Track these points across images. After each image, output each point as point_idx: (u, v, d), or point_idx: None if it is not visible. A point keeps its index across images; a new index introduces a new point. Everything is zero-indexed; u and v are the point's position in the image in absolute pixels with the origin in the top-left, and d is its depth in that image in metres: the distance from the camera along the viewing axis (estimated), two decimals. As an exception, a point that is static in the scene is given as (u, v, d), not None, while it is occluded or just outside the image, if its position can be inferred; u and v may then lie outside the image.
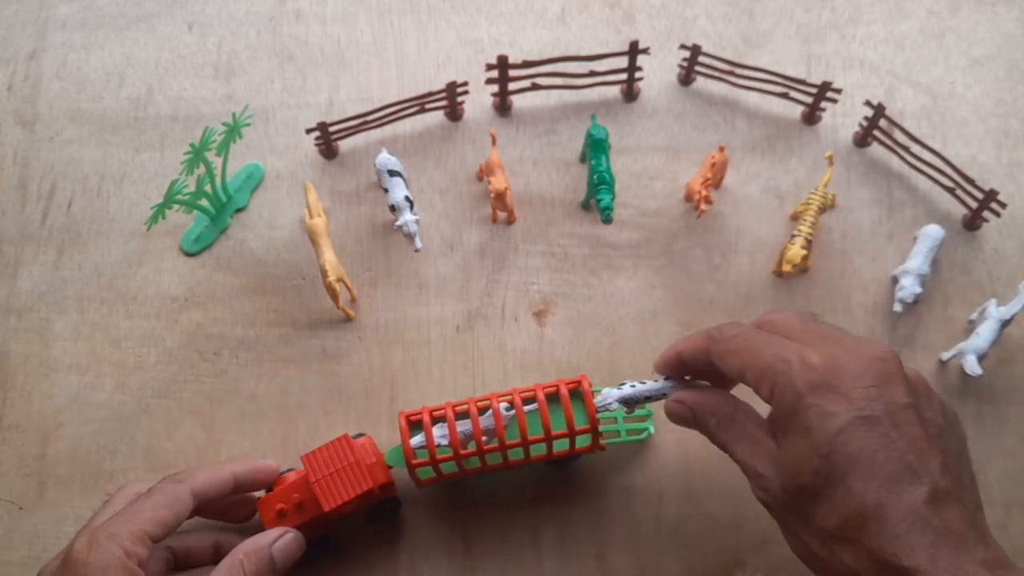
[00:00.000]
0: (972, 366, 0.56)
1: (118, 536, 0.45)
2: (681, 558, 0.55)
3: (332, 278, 0.57)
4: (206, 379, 0.60)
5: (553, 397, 0.52)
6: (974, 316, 0.59)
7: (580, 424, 0.51)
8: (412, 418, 0.52)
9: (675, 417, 0.49)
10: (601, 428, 0.52)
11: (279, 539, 0.50)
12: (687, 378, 0.50)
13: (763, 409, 0.46)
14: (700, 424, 0.48)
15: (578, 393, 0.52)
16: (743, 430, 0.46)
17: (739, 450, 0.45)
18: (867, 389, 0.41)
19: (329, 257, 0.58)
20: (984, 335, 0.56)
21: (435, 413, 0.52)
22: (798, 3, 0.68)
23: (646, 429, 0.57)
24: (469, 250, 0.62)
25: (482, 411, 0.51)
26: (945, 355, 0.58)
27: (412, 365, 0.60)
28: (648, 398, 0.51)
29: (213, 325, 0.61)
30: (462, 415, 0.51)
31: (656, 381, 0.51)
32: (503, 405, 0.51)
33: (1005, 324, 0.57)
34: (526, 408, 0.51)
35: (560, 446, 0.52)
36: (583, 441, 0.52)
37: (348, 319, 0.61)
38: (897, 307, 0.58)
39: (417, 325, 0.61)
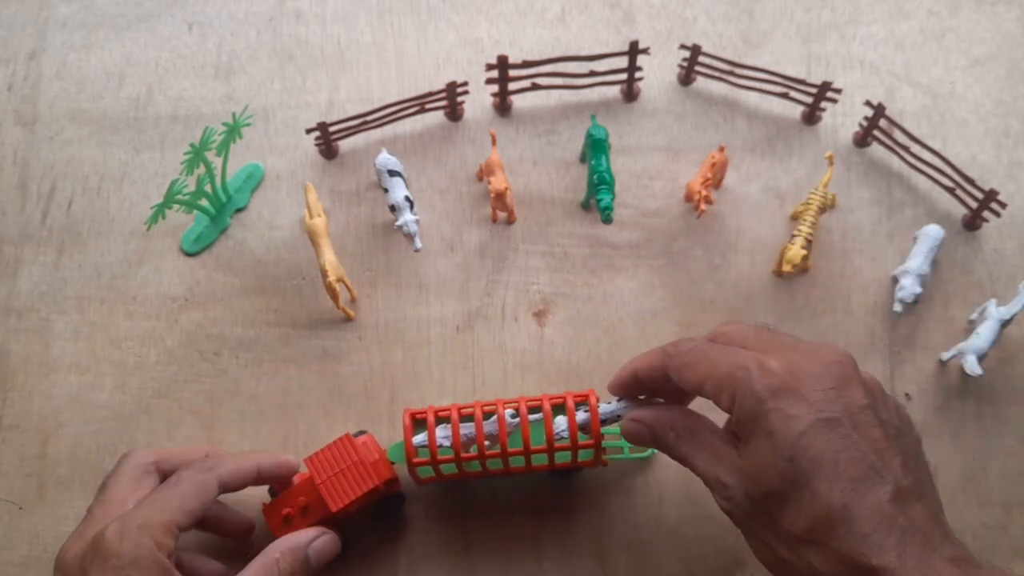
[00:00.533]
0: (972, 366, 0.56)
1: (149, 527, 0.45)
2: (681, 558, 0.55)
3: (332, 278, 0.57)
4: (206, 379, 0.60)
5: (559, 408, 0.51)
6: (974, 316, 0.59)
7: (584, 438, 0.51)
8: (417, 416, 0.52)
9: (633, 436, 0.49)
10: (604, 444, 0.52)
11: (316, 540, 0.50)
12: (641, 397, 0.50)
13: (720, 421, 0.46)
14: (659, 440, 0.48)
15: (584, 406, 0.51)
16: (703, 441, 0.46)
17: (700, 461, 0.45)
18: (826, 391, 0.42)
19: (329, 257, 0.58)
20: (984, 335, 0.56)
21: (440, 414, 0.51)
22: (798, 3, 0.68)
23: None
24: (469, 250, 0.62)
25: (487, 416, 0.51)
26: (945, 355, 0.59)
27: (412, 365, 0.60)
28: (604, 422, 0.50)
29: (213, 325, 0.61)
30: (467, 418, 0.51)
31: (610, 404, 0.50)
32: (508, 412, 0.50)
33: (1005, 324, 0.57)
34: (531, 417, 0.50)
35: (562, 458, 0.51)
36: (585, 455, 0.52)
37: (348, 319, 0.61)
38: (897, 307, 0.58)
39: (417, 325, 0.61)
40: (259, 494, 0.54)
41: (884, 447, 0.41)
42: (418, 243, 0.58)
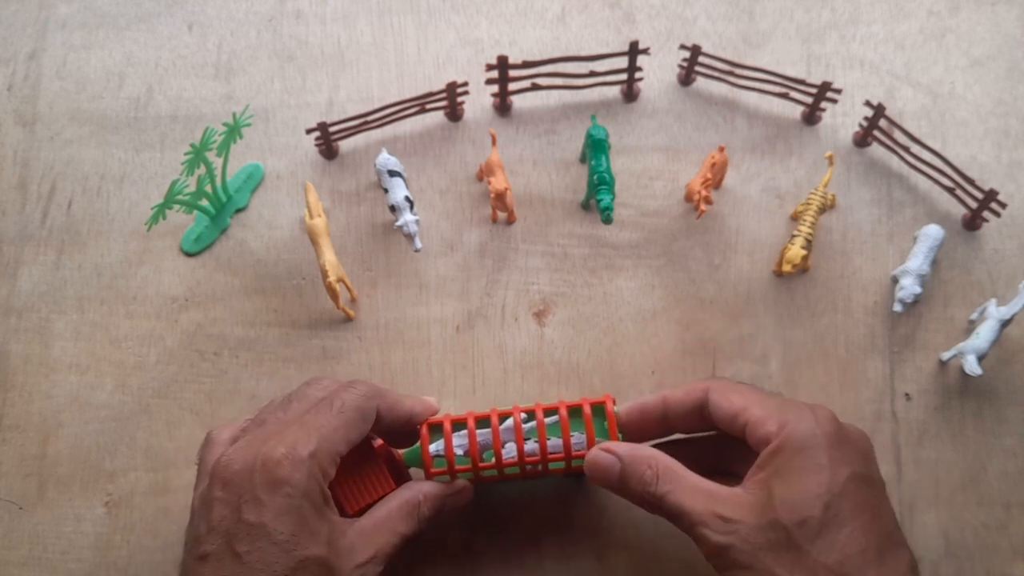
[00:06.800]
0: (972, 366, 0.56)
1: (318, 457, 0.45)
2: (681, 558, 0.55)
3: (332, 278, 0.57)
4: (206, 379, 0.60)
5: (576, 411, 0.51)
6: (974, 316, 0.59)
7: (601, 441, 0.50)
8: (432, 424, 0.52)
9: (597, 468, 0.48)
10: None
11: (455, 494, 0.51)
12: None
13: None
14: (630, 476, 0.47)
15: (601, 411, 0.51)
16: (689, 481, 0.46)
17: (688, 500, 0.45)
18: (864, 456, 0.46)
19: (329, 257, 0.58)
20: (984, 335, 0.56)
21: (456, 422, 0.51)
22: (798, 3, 0.68)
23: None
24: (469, 250, 0.62)
25: (502, 419, 0.51)
26: (945, 355, 0.59)
27: (412, 365, 0.60)
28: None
29: (213, 325, 0.61)
30: (482, 423, 0.51)
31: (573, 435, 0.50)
32: (523, 416, 0.50)
33: (1005, 324, 0.57)
34: (547, 420, 0.50)
35: (579, 463, 0.51)
36: None
37: (348, 319, 0.61)
38: (897, 307, 0.58)
39: (417, 325, 0.61)
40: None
41: (896, 521, 0.46)
42: (418, 243, 0.58)
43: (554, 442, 0.50)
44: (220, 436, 0.49)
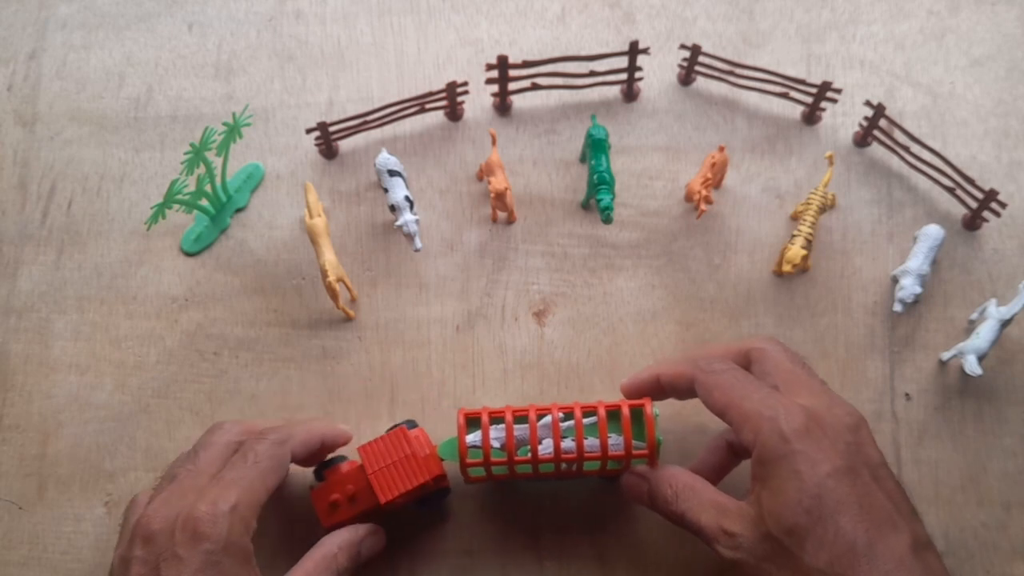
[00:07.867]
0: (972, 366, 0.56)
1: (238, 510, 0.45)
2: (681, 558, 0.55)
3: (332, 278, 0.57)
4: (206, 379, 0.60)
5: (612, 414, 0.51)
6: (974, 316, 0.59)
7: (638, 444, 0.51)
8: (469, 416, 0.52)
9: (631, 491, 0.51)
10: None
11: (368, 537, 0.51)
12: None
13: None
14: (656, 496, 0.49)
15: (639, 414, 0.51)
16: (704, 497, 0.48)
17: (703, 516, 0.47)
18: (848, 444, 0.45)
19: (329, 257, 0.58)
20: (984, 335, 0.56)
21: (493, 415, 0.51)
22: (798, 3, 0.68)
23: None
24: (469, 250, 0.62)
25: (539, 417, 0.51)
26: (945, 355, 0.59)
27: (412, 365, 0.60)
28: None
29: (213, 325, 0.61)
30: (520, 420, 0.51)
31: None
32: (560, 416, 0.51)
33: (1005, 324, 0.57)
34: (584, 421, 0.51)
35: (614, 464, 0.51)
36: (638, 462, 0.52)
37: (348, 319, 0.61)
38: (897, 307, 0.58)
39: (417, 325, 0.61)
40: (306, 477, 0.55)
41: (900, 500, 0.45)
42: (418, 243, 0.58)
43: (591, 442, 0.51)
44: (142, 499, 0.49)
